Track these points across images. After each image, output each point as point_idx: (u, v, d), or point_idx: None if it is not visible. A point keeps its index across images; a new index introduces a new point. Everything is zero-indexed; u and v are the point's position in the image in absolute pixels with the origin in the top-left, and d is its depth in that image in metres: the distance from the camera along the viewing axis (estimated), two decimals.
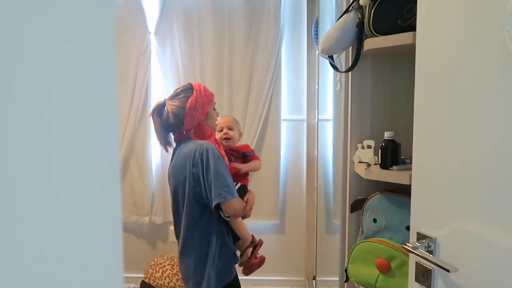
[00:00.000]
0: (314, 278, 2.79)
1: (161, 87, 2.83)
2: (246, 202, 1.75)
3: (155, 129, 1.63)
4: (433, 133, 0.94)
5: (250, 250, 1.82)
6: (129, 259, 2.97)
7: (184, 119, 1.54)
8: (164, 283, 2.61)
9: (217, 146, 1.56)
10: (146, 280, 2.66)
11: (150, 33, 2.78)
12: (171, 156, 1.72)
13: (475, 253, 0.85)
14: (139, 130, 2.84)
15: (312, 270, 2.90)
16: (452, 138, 0.89)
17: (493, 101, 0.79)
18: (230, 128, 1.90)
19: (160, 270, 2.65)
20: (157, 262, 2.71)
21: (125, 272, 2.95)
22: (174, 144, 1.69)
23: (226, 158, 1.66)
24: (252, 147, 2.75)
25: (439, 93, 0.92)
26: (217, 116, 1.74)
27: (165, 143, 1.65)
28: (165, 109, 1.57)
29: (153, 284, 2.63)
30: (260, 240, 1.87)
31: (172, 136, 1.66)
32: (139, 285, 2.72)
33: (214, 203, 1.48)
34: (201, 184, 1.49)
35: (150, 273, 2.67)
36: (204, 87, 1.60)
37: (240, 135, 1.93)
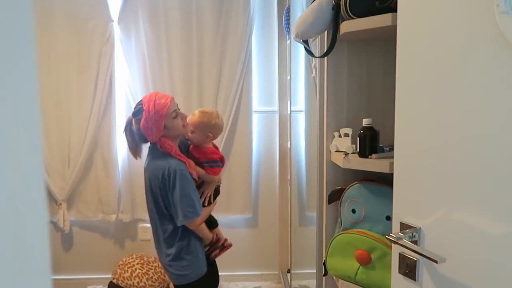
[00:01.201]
0: (288, 271, 2.75)
1: (126, 78, 2.69)
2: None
3: (128, 145, 1.69)
4: (416, 118, 0.90)
5: (217, 251, 1.84)
6: (95, 260, 2.85)
7: (146, 137, 1.61)
8: (133, 283, 2.50)
9: (185, 163, 1.61)
10: (115, 281, 2.54)
11: (113, 21, 2.63)
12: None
13: (462, 242, 0.81)
14: (104, 124, 2.70)
15: (286, 263, 2.87)
16: (436, 123, 0.85)
17: (481, 84, 0.75)
18: (191, 132, 1.75)
19: (129, 270, 2.54)
20: (125, 261, 2.60)
21: (92, 273, 2.84)
22: (143, 154, 1.74)
23: (195, 172, 1.67)
24: (223, 141, 2.68)
25: (423, 77, 0.88)
26: (184, 118, 1.68)
27: (135, 154, 1.70)
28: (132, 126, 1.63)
29: (121, 285, 2.52)
30: (229, 244, 1.88)
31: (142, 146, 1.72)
32: (106, 287, 2.59)
33: (179, 224, 1.60)
34: (169, 201, 1.60)
35: (118, 273, 2.55)
36: (155, 102, 1.56)
37: (208, 136, 1.75)
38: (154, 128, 1.56)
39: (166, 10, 2.62)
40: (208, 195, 1.78)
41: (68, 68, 2.64)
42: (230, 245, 1.88)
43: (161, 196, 1.61)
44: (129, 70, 2.67)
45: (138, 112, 1.59)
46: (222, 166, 1.82)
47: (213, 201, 1.82)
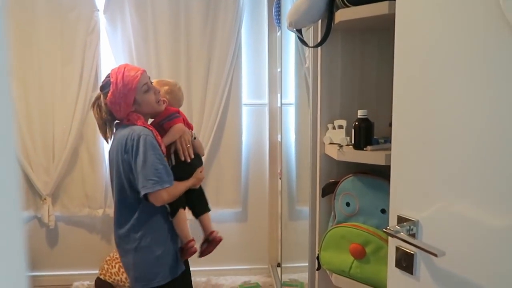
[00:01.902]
0: (278, 265, 2.74)
1: None
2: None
3: (97, 122, 1.54)
4: (414, 109, 0.87)
5: (205, 245, 1.69)
6: (82, 255, 2.79)
7: (113, 113, 1.47)
8: (121, 278, 2.46)
9: (153, 132, 1.46)
10: (102, 277, 2.49)
11: (98, 10, 2.55)
12: None
13: (461, 235, 0.79)
14: (89, 116, 2.63)
15: (276, 257, 2.85)
16: (435, 114, 0.82)
17: (482, 73, 0.73)
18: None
19: (117, 265, 2.49)
20: (113, 257, 2.55)
21: (79, 269, 2.78)
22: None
23: (163, 144, 1.51)
24: (212, 134, 2.63)
25: (421, 65, 0.85)
26: (157, 93, 1.55)
27: (104, 135, 1.55)
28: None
29: (109, 281, 2.47)
30: (218, 237, 1.70)
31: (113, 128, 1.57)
32: (93, 283, 2.54)
33: (141, 193, 1.40)
34: (133, 171, 1.42)
35: (105, 269, 2.50)
36: (123, 74, 1.43)
37: (163, 101, 1.59)
38: (122, 103, 1.43)
39: None
40: (182, 150, 1.58)
41: (51, 59, 2.56)
42: (220, 238, 1.70)
43: (123, 170, 1.43)
44: (116, 61, 2.60)
45: (105, 85, 1.46)
46: (180, 116, 1.64)
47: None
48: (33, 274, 2.76)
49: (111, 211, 2.70)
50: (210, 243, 1.68)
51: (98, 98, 1.51)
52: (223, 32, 2.59)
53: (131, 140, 1.40)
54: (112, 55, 2.60)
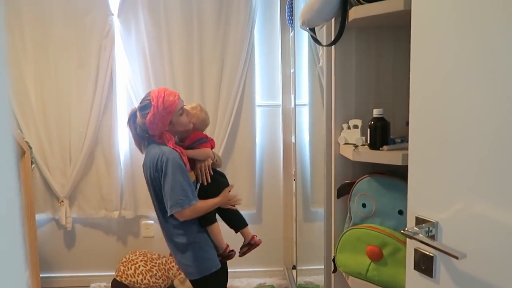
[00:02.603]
0: (294, 268, 2.71)
1: (127, 73, 2.64)
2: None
3: (132, 136, 1.73)
4: (432, 107, 0.85)
5: (245, 248, 1.89)
6: (98, 257, 2.81)
7: (148, 131, 1.63)
8: (137, 280, 2.47)
9: (180, 153, 1.61)
10: (118, 278, 2.51)
11: (112, 14, 2.58)
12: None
13: (483, 237, 0.77)
14: (104, 120, 2.66)
15: (291, 259, 2.83)
16: (454, 111, 0.80)
17: (503, 70, 0.70)
18: None
19: (133, 267, 2.50)
20: (129, 258, 2.56)
21: (95, 270, 2.81)
22: None
23: (188, 164, 1.66)
24: (226, 136, 2.63)
25: (439, 62, 0.83)
26: (189, 115, 1.72)
27: (139, 147, 1.75)
28: (136, 119, 1.66)
29: (125, 282, 2.49)
30: (259, 241, 1.90)
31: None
32: (110, 284, 2.56)
33: (169, 214, 1.59)
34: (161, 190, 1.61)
35: (122, 270, 2.52)
36: (164, 98, 1.59)
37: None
38: (160, 123, 1.59)
39: (166, 2, 2.56)
40: (206, 171, 1.74)
41: (67, 62, 2.59)
42: (260, 241, 1.89)
43: (156, 185, 1.62)
44: (130, 64, 2.62)
45: (145, 106, 1.61)
46: (209, 142, 1.81)
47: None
48: (51, 275, 2.80)
49: (126, 213, 2.73)
50: (252, 246, 1.88)
51: (133, 115, 1.67)
52: (236, 34, 2.59)
53: (161, 162, 1.57)
54: (126, 58, 2.62)
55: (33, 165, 2.55)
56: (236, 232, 1.88)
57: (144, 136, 1.68)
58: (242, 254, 1.89)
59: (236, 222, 1.88)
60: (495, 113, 0.72)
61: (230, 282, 2.77)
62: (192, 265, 1.67)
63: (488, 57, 0.73)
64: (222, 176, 1.87)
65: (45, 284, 2.67)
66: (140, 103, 1.65)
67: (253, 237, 1.88)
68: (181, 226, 1.65)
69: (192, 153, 1.71)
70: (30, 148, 2.49)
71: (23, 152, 2.35)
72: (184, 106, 1.70)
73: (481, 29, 0.74)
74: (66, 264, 2.82)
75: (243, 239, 1.90)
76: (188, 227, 1.66)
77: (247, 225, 1.88)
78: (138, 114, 1.64)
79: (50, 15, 2.55)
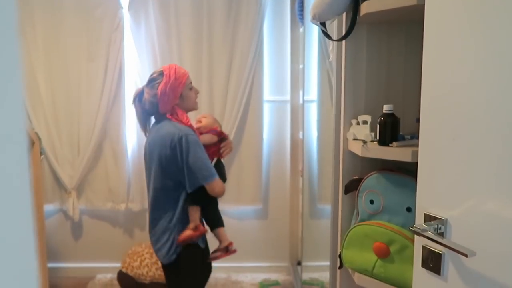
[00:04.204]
0: (299, 264, 2.71)
1: (136, 66, 2.65)
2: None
3: (137, 116, 1.70)
4: (443, 104, 0.84)
5: (218, 253, 1.76)
6: (105, 249, 2.84)
7: (158, 105, 1.60)
8: (142, 272, 2.49)
9: (194, 130, 1.62)
10: (124, 270, 2.53)
11: (122, 7, 2.59)
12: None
13: (493, 234, 0.76)
14: (113, 113, 2.67)
15: (296, 255, 2.82)
16: (466, 108, 0.79)
17: None
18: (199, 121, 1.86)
19: (138, 259, 2.52)
20: (134, 250, 2.58)
21: (102, 261, 2.83)
22: None
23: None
24: (233, 130, 2.63)
25: (452, 58, 0.81)
26: (197, 93, 1.72)
27: (145, 129, 1.73)
28: (143, 96, 1.63)
29: (131, 274, 2.51)
30: (234, 250, 1.79)
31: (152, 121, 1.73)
32: (116, 275, 2.58)
33: (197, 186, 1.57)
34: (179, 167, 1.57)
35: (127, 262, 2.54)
36: (176, 69, 1.59)
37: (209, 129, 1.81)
38: (171, 94, 1.57)
39: None
40: (231, 146, 1.81)
41: (77, 55, 2.61)
42: (235, 251, 1.78)
43: (166, 164, 1.57)
44: (139, 58, 2.63)
45: (155, 78, 1.59)
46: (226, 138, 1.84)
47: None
48: (57, 265, 2.83)
49: (133, 206, 2.74)
50: (228, 252, 1.76)
51: (139, 93, 1.65)
52: (245, 28, 2.58)
53: (179, 139, 1.54)
54: (135, 51, 2.62)
55: (42, 156, 2.57)
56: (212, 231, 1.78)
57: (154, 112, 1.66)
58: (213, 258, 1.76)
59: (213, 221, 1.79)
60: (509, 110, 0.70)
61: (234, 276, 2.79)
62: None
63: (504, 54, 0.71)
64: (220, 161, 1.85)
65: (51, 274, 2.70)
66: (149, 77, 1.63)
67: (231, 243, 1.77)
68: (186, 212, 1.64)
69: (208, 140, 1.75)
70: (40, 139, 2.51)
71: (33, 143, 2.37)
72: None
73: (496, 24, 0.72)
74: (73, 255, 2.85)
75: (243, 240, 1.87)
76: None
77: (223, 226, 1.79)
78: (146, 89, 1.61)
79: (60, 8, 2.56)
